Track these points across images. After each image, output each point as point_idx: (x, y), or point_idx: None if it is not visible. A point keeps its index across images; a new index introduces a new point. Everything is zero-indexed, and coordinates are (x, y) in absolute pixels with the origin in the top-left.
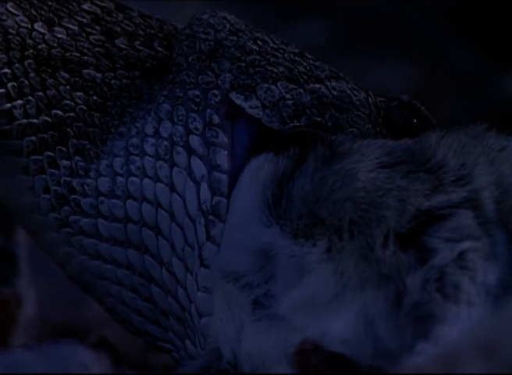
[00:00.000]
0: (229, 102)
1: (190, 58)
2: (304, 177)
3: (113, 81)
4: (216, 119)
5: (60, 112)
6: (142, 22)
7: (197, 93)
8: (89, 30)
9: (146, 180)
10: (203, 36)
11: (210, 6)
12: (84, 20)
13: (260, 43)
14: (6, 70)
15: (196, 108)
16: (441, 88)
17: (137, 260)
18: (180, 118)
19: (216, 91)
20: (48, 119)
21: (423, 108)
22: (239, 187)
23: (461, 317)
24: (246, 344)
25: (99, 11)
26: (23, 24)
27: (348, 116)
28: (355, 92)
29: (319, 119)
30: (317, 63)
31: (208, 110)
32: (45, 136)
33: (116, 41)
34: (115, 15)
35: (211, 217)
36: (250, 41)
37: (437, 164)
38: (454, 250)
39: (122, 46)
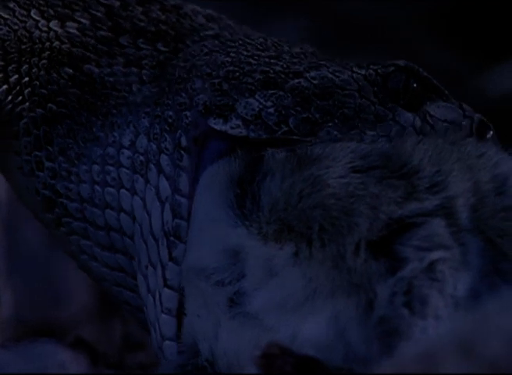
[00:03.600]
0: (200, 126)
1: (170, 83)
2: (270, 182)
3: (106, 78)
4: (184, 141)
5: (54, 107)
6: (160, 17)
7: (171, 114)
8: (99, 25)
9: (123, 191)
10: (182, 64)
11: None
12: (98, 14)
13: (233, 55)
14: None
15: (168, 128)
16: None
17: (127, 264)
18: (155, 136)
19: (188, 113)
20: (44, 113)
21: (421, 70)
22: (198, 194)
23: (428, 332)
24: (222, 341)
25: (117, 4)
26: (44, 28)
27: (334, 99)
28: (337, 74)
29: (306, 115)
30: (295, 60)
31: (179, 131)
32: (38, 132)
33: (121, 38)
34: (131, 8)
35: (172, 238)
36: (222, 56)
37: (412, 170)
38: (424, 260)
39: (125, 43)
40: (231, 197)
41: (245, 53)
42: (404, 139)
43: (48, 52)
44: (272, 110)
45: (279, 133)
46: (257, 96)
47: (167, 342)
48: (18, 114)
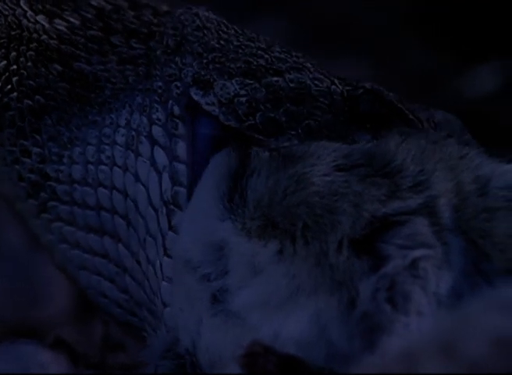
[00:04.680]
0: (190, 96)
1: (157, 52)
2: (256, 179)
3: (100, 73)
4: (177, 110)
5: (42, 99)
6: (152, 20)
7: (161, 84)
8: (89, 25)
9: (115, 168)
10: (171, 31)
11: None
12: (88, 15)
13: (222, 42)
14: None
15: (159, 99)
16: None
17: (113, 249)
18: (145, 109)
19: (178, 83)
20: (30, 103)
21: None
22: (202, 180)
23: (410, 328)
24: (204, 337)
25: (108, 7)
26: (31, 19)
27: (305, 107)
28: (316, 82)
29: (273, 115)
30: (282, 55)
31: (170, 101)
32: (23, 125)
33: (112, 38)
34: (123, 12)
35: (171, 207)
36: (214, 40)
37: (395, 168)
38: (407, 258)
39: (117, 43)
40: (224, 189)
41: (235, 43)
42: (388, 138)
43: (35, 44)
44: (244, 99)
45: (246, 124)
46: (234, 81)
47: (168, 309)
48: (6, 105)
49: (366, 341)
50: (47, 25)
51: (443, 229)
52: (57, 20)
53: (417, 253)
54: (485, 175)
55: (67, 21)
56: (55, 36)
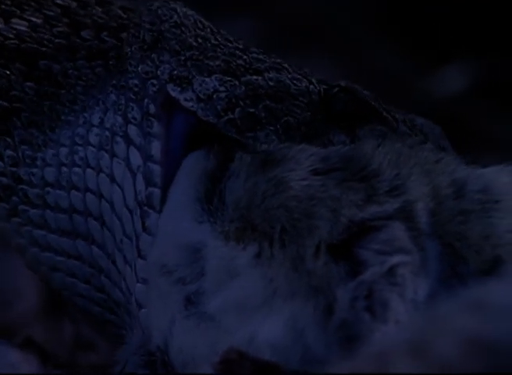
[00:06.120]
0: (167, 94)
1: (133, 48)
2: (235, 181)
3: (70, 71)
4: (152, 108)
5: (6, 103)
6: (121, 14)
7: (137, 82)
8: (54, 22)
9: (88, 170)
10: (148, 26)
11: None
12: (51, 13)
13: (200, 40)
14: None
15: (134, 97)
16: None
17: (86, 251)
18: (120, 107)
19: (155, 81)
20: None
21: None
22: (176, 181)
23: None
24: (177, 338)
25: (74, 5)
26: None
27: (284, 105)
28: (295, 81)
29: (252, 110)
30: (260, 56)
31: (146, 100)
32: None
33: (82, 32)
34: (90, 8)
35: (145, 208)
36: (192, 38)
37: (372, 172)
38: (385, 264)
39: (88, 37)
40: (201, 191)
41: (213, 41)
42: (364, 142)
43: None
44: (223, 95)
45: (224, 119)
46: (213, 77)
47: (143, 311)
48: None
49: (344, 350)
50: (2, 26)
51: (420, 234)
52: (15, 20)
53: (395, 259)
54: (461, 178)
55: (28, 21)
56: (11, 36)
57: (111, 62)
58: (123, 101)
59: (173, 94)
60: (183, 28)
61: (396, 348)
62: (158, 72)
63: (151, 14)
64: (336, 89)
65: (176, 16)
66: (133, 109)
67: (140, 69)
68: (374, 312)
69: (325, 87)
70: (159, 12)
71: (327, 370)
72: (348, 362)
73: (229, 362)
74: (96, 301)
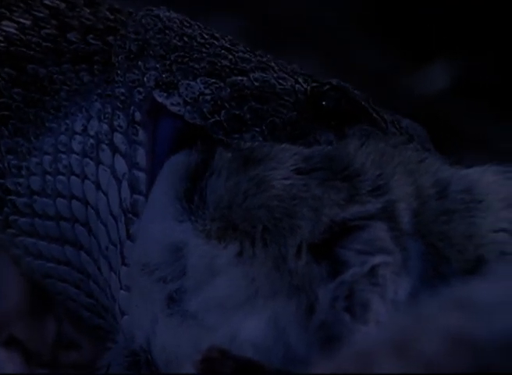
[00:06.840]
0: (153, 100)
1: (119, 58)
2: (216, 179)
3: (56, 76)
4: (138, 116)
5: None
6: (109, 16)
7: (123, 91)
8: (43, 24)
9: (73, 177)
10: (133, 36)
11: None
12: (40, 14)
13: (186, 39)
14: None
15: (121, 105)
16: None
17: (74, 257)
18: (107, 116)
19: (141, 89)
20: None
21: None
22: (158, 181)
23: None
24: (160, 337)
25: (63, 6)
26: None
27: (269, 105)
28: (280, 81)
29: (237, 112)
30: (246, 55)
31: (132, 107)
32: None
33: (68, 34)
34: (78, 9)
35: (130, 215)
36: (177, 38)
37: (354, 172)
38: (366, 264)
39: (74, 39)
40: (182, 190)
41: (199, 40)
42: (347, 142)
43: None
44: (209, 98)
45: (211, 121)
46: (198, 80)
47: (125, 318)
48: None
49: (325, 350)
50: None
51: (403, 234)
52: (4, 22)
53: (376, 260)
54: (444, 178)
55: (17, 22)
56: (1, 38)
57: (95, 67)
58: (109, 110)
59: (160, 99)
60: (167, 31)
61: (380, 348)
62: (145, 79)
63: (135, 24)
64: (327, 87)
65: (159, 23)
66: (119, 117)
67: (126, 78)
68: (354, 313)
69: (314, 84)
70: (143, 21)
71: (310, 370)
72: (331, 362)
73: (211, 361)
74: (85, 305)
